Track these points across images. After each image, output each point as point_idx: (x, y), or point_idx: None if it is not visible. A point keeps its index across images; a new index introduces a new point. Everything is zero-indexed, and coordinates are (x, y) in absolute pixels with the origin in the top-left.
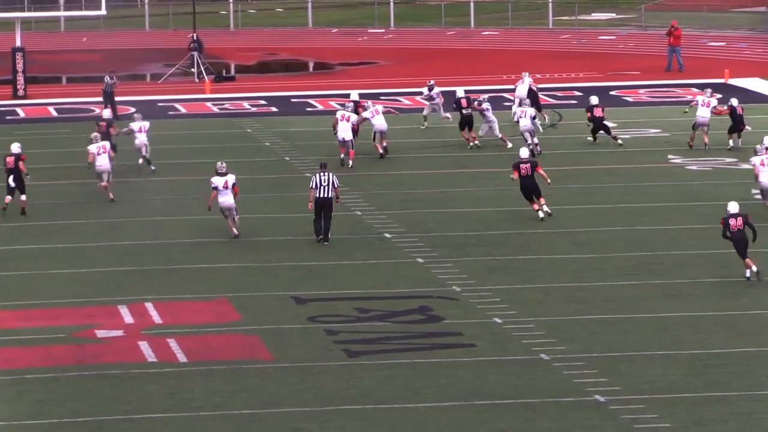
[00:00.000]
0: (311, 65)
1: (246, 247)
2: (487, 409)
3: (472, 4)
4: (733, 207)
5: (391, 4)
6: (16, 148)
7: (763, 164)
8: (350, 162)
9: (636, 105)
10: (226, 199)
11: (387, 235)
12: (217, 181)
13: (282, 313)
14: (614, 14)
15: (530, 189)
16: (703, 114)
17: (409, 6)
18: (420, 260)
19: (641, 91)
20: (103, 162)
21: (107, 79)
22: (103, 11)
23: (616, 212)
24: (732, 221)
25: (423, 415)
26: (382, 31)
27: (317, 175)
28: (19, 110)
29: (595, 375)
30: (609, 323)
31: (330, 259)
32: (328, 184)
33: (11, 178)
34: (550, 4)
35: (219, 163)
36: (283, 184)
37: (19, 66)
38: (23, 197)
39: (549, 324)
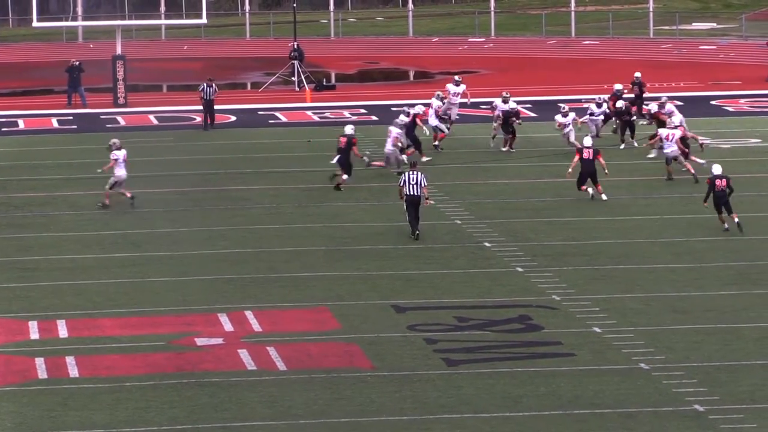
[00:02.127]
0: (411, 74)
1: (346, 255)
2: (587, 418)
3: (572, 13)
4: (717, 169)
5: (492, 13)
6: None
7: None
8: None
9: (736, 114)
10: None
11: (486, 244)
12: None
13: (381, 321)
14: (715, 24)
15: (589, 174)
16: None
17: (510, 15)
18: (519, 269)
19: (742, 100)
20: (122, 170)
21: (205, 86)
22: (203, 19)
23: (715, 222)
24: (717, 182)
25: (522, 424)
26: (483, 40)
27: (406, 173)
28: (119, 118)
29: (695, 384)
30: (709, 333)
31: (430, 268)
32: (416, 183)
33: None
34: (651, 14)
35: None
36: (383, 192)
37: (120, 74)
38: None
39: (649, 333)
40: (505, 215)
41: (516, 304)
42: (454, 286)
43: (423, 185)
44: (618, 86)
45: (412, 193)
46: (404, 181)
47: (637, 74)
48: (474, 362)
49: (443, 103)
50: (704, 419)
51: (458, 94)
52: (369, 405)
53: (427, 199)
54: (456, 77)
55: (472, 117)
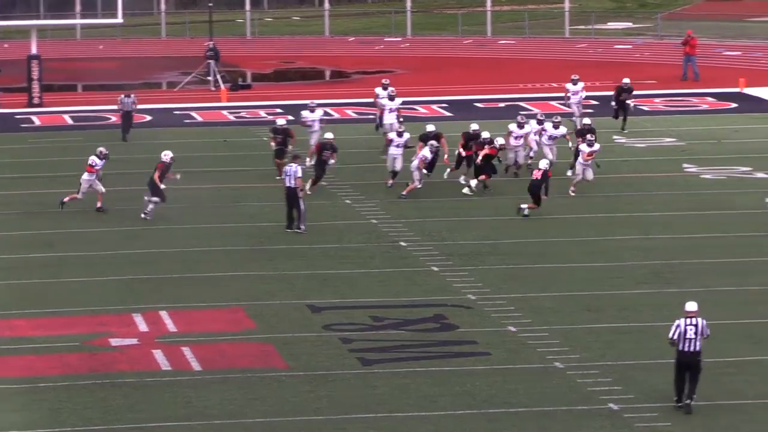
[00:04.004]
0: (328, 74)
1: (261, 255)
2: (502, 417)
3: (488, 13)
4: (543, 163)
5: (408, 12)
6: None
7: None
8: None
9: (652, 114)
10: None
11: (402, 244)
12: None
13: (297, 321)
14: (630, 23)
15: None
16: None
17: (427, 15)
18: (435, 268)
19: (657, 100)
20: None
21: (123, 98)
22: (119, 19)
23: (631, 221)
24: (535, 172)
25: (437, 423)
26: (399, 39)
27: (287, 167)
28: (34, 118)
29: (610, 383)
30: (623, 331)
31: (345, 268)
32: (291, 175)
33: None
34: (567, 14)
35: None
36: None
37: (35, 74)
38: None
39: (563, 332)
40: (420, 214)
41: (431, 304)
42: (370, 285)
43: (297, 176)
44: (626, 80)
45: (288, 185)
46: (285, 174)
47: (626, 80)
48: (389, 362)
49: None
50: (618, 418)
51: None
52: (284, 405)
53: (301, 190)
54: (384, 80)
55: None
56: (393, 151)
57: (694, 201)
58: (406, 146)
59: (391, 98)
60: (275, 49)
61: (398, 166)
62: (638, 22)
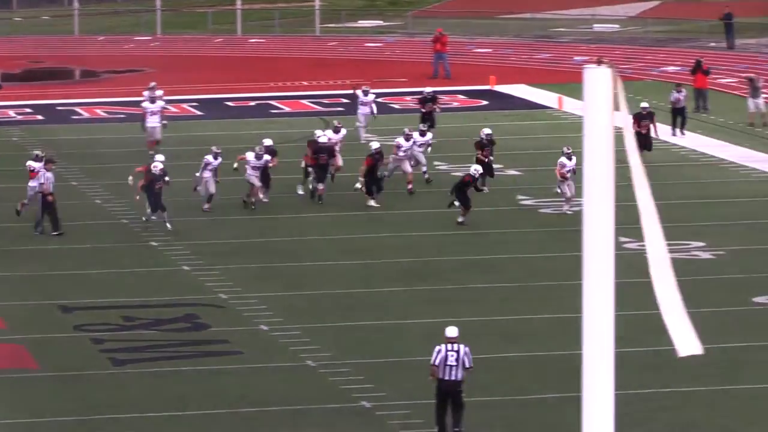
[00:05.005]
0: (77, 73)
1: (12, 256)
2: (256, 416)
3: (238, 11)
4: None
5: (158, 11)
6: None
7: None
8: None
9: (402, 112)
10: None
11: (153, 243)
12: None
13: (48, 321)
14: (381, 21)
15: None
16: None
17: (176, 13)
18: (186, 268)
19: (408, 98)
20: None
21: None
22: None
23: (384, 219)
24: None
25: (190, 424)
26: (149, 38)
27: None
28: None
29: (362, 381)
30: (375, 329)
31: (96, 268)
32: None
33: None
34: (317, 12)
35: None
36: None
37: None
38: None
39: (315, 331)
40: (171, 214)
41: (183, 303)
42: (122, 285)
43: (51, 181)
44: (428, 89)
45: (39, 191)
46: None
47: (428, 89)
48: (140, 362)
49: None
50: (371, 415)
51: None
52: (35, 405)
53: (51, 194)
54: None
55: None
56: (206, 174)
57: (443, 199)
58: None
59: (152, 101)
60: (24, 48)
61: (212, 188)
62: (389, 19)
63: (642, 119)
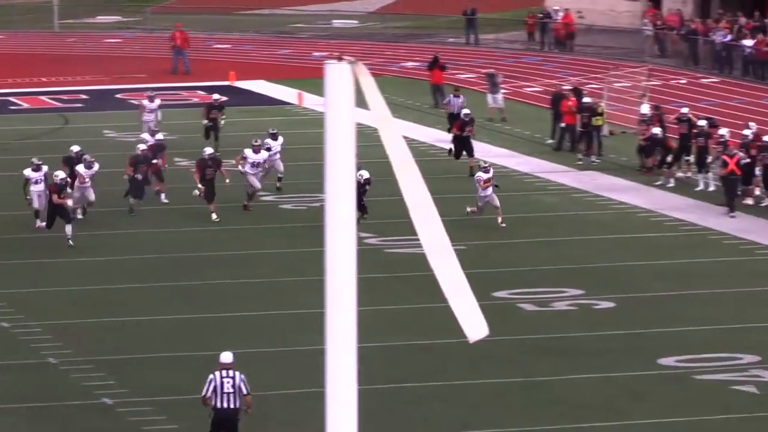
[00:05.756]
0: None
1: None
2: None
3: None
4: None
5: None
6: None
7: None
8: None
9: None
10: None
11: None
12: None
13: None
14: (120, 17)
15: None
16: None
17: None
18: None
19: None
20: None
21: None
22: None
23: (142, 214)
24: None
25: None
26: None
27: None
28: None
29: (103, 378)
30: (115, 326)
31: None
32: None
33: None
34: (56, 8)
35: None
36: None
37: None
38: None
39: (57, 328)
40: None
41: None
42: None
43: None
44: (216, 95)
45: None
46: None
47: (216, 95)
48: None
49: None
50: (112, 412)
51: None
52: None
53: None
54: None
55: None
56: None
57: (184, 195)
58: None
59: None
60: None
61: (92, 196)
62: (128, 15)
63: (466, 125)
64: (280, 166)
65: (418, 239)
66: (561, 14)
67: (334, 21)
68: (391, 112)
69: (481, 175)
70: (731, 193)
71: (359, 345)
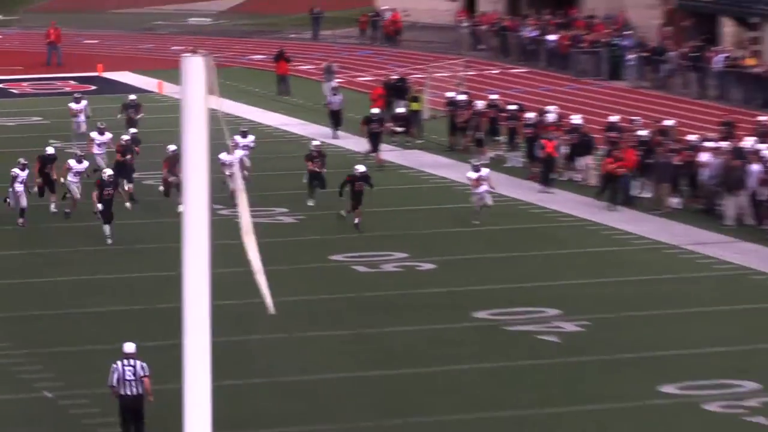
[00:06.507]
0: None
1: None
2: None
3: None
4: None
5: None
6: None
7: None
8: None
9: (21, 96)
10: None
11: None
12: None
13: None
14: (1, 16)
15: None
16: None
17: None
18: None
19: (25, 83)
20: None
21: None
22: None
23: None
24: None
25: None
26: None
27: None
28: None
29: None
30: None
31: None
32: None
33: None
34: None
35: None
36: None
37: None
38: None
39: None
40: None
41: None
42: None
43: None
44: (132, 96)
45: None
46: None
47: (132, 96)
48: None
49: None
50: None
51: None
52: None
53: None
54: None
55: None
56: (18, 188)
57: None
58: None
59: None
60: None
61: (23, 201)
62: (8, 14)
63: (371, 122)
64: (247, 162)
65: (262, 210)
66: (389, 13)
67: (190, 19)
68: (241, 99)
69: (470, 175)
70: (546, 172)
71: (214, 303)
